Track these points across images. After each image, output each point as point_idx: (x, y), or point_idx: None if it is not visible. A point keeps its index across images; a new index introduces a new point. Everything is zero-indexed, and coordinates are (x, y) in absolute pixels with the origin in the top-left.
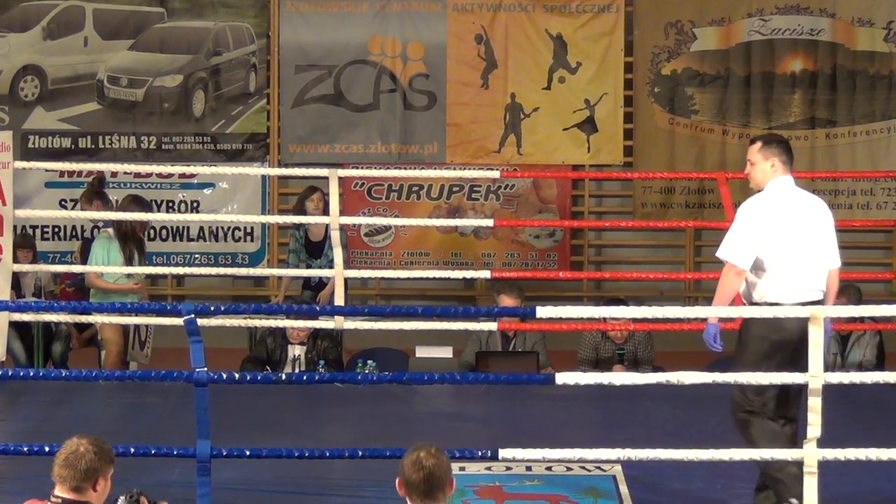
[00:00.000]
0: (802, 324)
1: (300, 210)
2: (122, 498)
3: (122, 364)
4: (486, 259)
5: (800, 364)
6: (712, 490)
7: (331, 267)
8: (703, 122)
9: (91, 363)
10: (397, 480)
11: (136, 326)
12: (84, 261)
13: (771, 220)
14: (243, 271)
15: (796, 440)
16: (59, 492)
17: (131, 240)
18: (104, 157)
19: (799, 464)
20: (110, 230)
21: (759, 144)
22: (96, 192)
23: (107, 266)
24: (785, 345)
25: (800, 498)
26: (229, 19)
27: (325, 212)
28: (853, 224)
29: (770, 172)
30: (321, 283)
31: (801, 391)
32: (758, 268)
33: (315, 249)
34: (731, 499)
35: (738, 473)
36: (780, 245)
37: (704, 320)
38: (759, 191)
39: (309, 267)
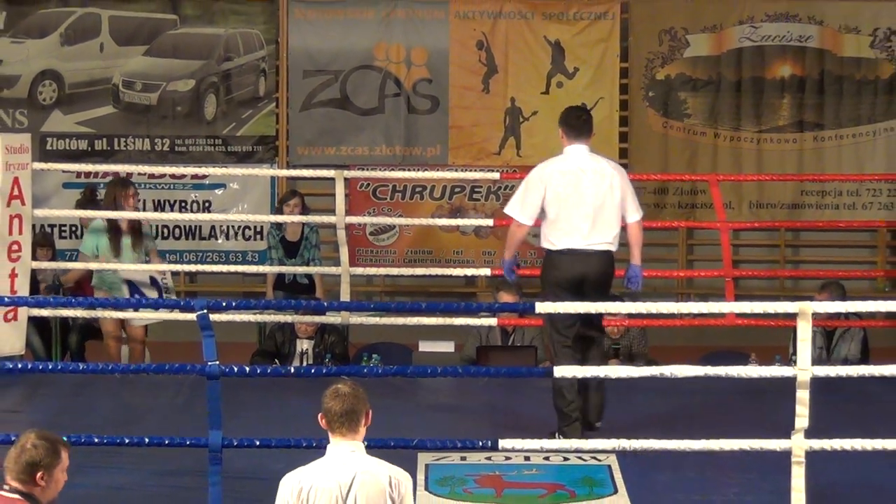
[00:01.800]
0: (573, 264)
1: (279, 211)
2: None
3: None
4: (487, 257)
5: (581, 292)
6: (704, 479)
7: (308, 265)
8: (696, 125)
9: (107, 355)
10: (319, 415)
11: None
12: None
13: (546, 180)
14: (253, 269)
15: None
16: (10, 481)
17: (118, 228)
18: (119, 159)
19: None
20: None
21: None
22: (89, 199)
23: (100, 255)
24: (563, 280)
25: (564, 434)
26: (239, 26)
27: (304, 213)
28: (838, 224)
29: (564, 141)
30: (295, 283)
31: (591, 323)
32: (545, 218)
33: (291, 249)
34: (722, 487)
35: (728, 463)
36: (557, 200)
37: (697, 316)
38: None
39: (283, 264)
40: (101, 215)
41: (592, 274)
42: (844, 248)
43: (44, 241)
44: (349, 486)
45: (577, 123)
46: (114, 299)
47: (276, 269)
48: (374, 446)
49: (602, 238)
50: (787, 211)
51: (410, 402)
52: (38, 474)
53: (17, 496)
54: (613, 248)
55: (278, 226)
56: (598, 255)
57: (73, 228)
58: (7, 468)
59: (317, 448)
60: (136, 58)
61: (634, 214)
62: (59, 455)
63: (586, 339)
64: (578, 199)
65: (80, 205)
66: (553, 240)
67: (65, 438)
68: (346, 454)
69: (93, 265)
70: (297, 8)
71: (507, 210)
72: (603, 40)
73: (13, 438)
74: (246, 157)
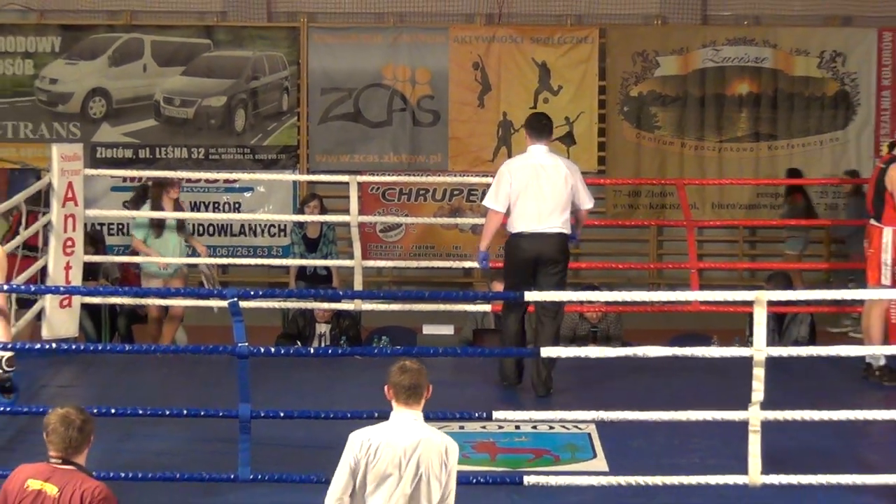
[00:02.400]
0: (531, 244)
1: (301, 213)
2: None
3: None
4: None
5: (537, 275)
6: (671, 445)
7: (327, 259)
8: (665, 136)
9: (151, 337)
10: (385, 387)
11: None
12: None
13: (511, 172)
14: (277, 262)
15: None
16: (59, 455)
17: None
18: (160, 166)
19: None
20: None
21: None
22: (141, 196)
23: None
24: (522, 262)
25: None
26: (265, 49)
27: (322, 214)
28: (790, 223)
29: (527, 140)
30: (315, 274)
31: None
32: (509, 207)
33: (311, 245)
34: (687, 452)
35: (693, 431)
36: (519, 189)
37: (666, 303)
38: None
39: (305, 258)
40: (145, 215)
41: (547, 252)
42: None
43: (95, 237)
44: (413, 449)
45: (539, 126)
46: (156, 288)
47: (299, 262)
48: (382, 417)
49: (555, 223)
50: (745, 211)
51: None
52: (87, 443)
53: (72, 467)
54: (566, 230)
55: (300, 224)
56: (552, 237)
57: (120, 226)
58: (56, 443)
59: (333, 419)
60: (174, 77)
61: (588, 203)
62: (94, 423)
63: (542, 316)
64: (537, 189)
65: (134, 200)
66: (515, 224)
67: (112, 410)
68: (409, 421)
69: (138, 259)
70: (315, 34)
71: (485, 202)
72: (583, 61)
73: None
74: (271, 164)
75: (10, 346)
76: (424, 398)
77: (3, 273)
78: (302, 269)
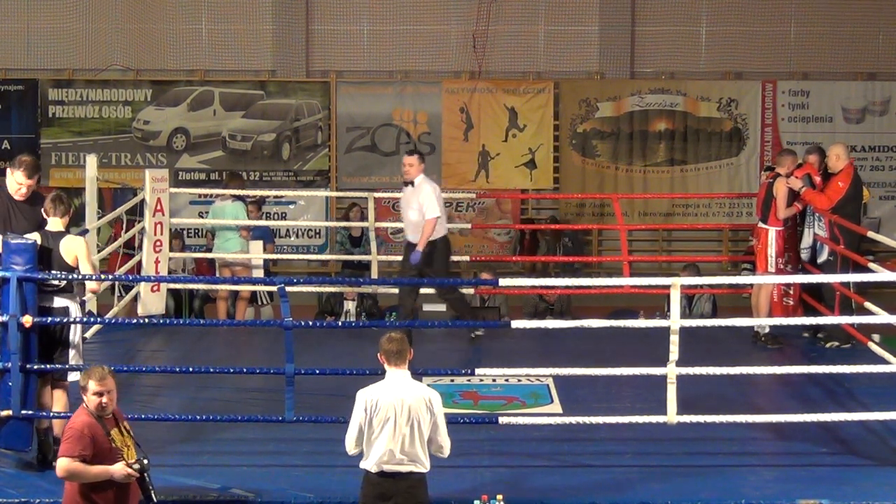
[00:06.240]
0: (443, 242)
1: (346, 217)
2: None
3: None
4: (467, 249)
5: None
6: (609, 393)
7: (367, 254)
8: (603, 162)
9: (216, 314)
10: (378, 354)
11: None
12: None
13: (437, 191)
14: (314, 257)
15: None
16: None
17: (244, 200)
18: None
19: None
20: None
21: (416, 157)
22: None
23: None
24: (439, 251)
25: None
26: (305, 98)
27: (362, 218)
28: (697, 226)
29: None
30: (359, 264)
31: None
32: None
33: (355, 241)
34: (621, 399)
35: (625, 382)
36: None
37: (605, 286)
38: (412, 179)
39: (350, 253)
40: (221, 192)
41: None
42: (701, 241)
43: (178, 238)
44: (403, 400)
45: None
46: (223, 277)
47: (331, 257)
48: None
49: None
50: (663, 217)
51: (417, 344)
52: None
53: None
54: None
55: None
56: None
57: (196, 231)
58: (97, 388)
59: (358, 375)
60: (237, 119)
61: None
62: (113, 374)
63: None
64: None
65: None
66: (444, 227)
67: (191, 369)
68: (399, 378)
69: (210, 255)
70: (342, 86)
71: (430, 214)
72: (542, 106)
73: (157, 369)
74: (309, 183)
75: (115, 320)
76: (408, 359)
77: (80, 256)
78: (346, 259)
